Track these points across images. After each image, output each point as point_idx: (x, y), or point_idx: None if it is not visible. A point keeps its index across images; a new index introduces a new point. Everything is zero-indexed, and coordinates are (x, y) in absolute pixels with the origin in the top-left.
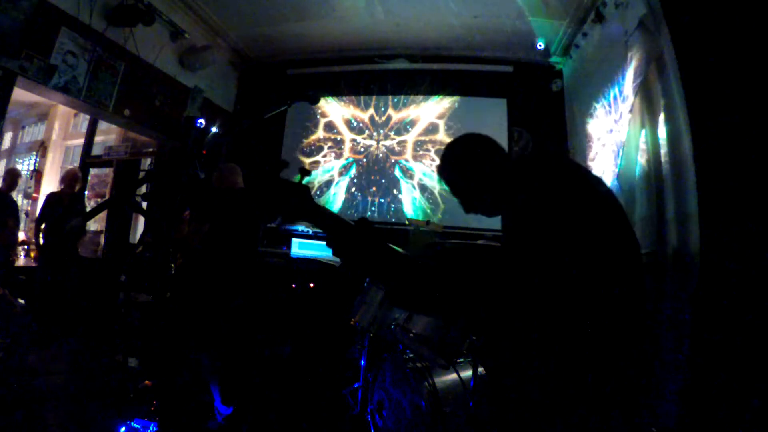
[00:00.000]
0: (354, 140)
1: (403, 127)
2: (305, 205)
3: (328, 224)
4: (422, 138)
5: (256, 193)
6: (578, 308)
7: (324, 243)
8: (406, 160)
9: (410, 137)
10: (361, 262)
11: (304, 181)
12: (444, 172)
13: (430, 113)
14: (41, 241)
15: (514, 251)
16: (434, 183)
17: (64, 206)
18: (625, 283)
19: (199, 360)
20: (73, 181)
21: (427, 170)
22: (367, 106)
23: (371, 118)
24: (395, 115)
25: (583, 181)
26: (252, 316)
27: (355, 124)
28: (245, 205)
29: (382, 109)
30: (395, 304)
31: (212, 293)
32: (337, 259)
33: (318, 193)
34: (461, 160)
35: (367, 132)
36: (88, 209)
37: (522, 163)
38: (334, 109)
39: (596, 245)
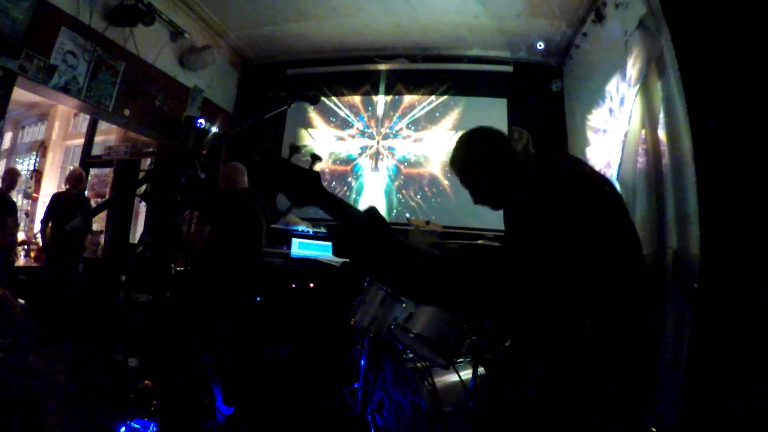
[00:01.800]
0: (354, 139)
1: (405, 126)
2: (314, 190)
3: (336, 212)
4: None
5: (266, 177)
6: (580, 307)
7: (324, 242)
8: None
9: (406, 130)
10: (370, 253)
11: (315, 168)
12: (456, 163)
13: (429, 110)
14: (48, 240)
15: (518, 248)
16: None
17: (69, 206)
18: (627, 283)
19: (199, 360)
20: (78, 181)
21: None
22: (366, 106)
23: (370, 117)
24: (395, 114)
25: (588, 181)
26: (253, 316)
27: (354, 122)
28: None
29: (381, 106)
30: (405, 296)
31: (214, 294)
32: (338, 259)
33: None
34: (475, 153)
35: (366, 130)
36: None
37: (528, 160)
38: (333, 109)
39: (599, 245)
